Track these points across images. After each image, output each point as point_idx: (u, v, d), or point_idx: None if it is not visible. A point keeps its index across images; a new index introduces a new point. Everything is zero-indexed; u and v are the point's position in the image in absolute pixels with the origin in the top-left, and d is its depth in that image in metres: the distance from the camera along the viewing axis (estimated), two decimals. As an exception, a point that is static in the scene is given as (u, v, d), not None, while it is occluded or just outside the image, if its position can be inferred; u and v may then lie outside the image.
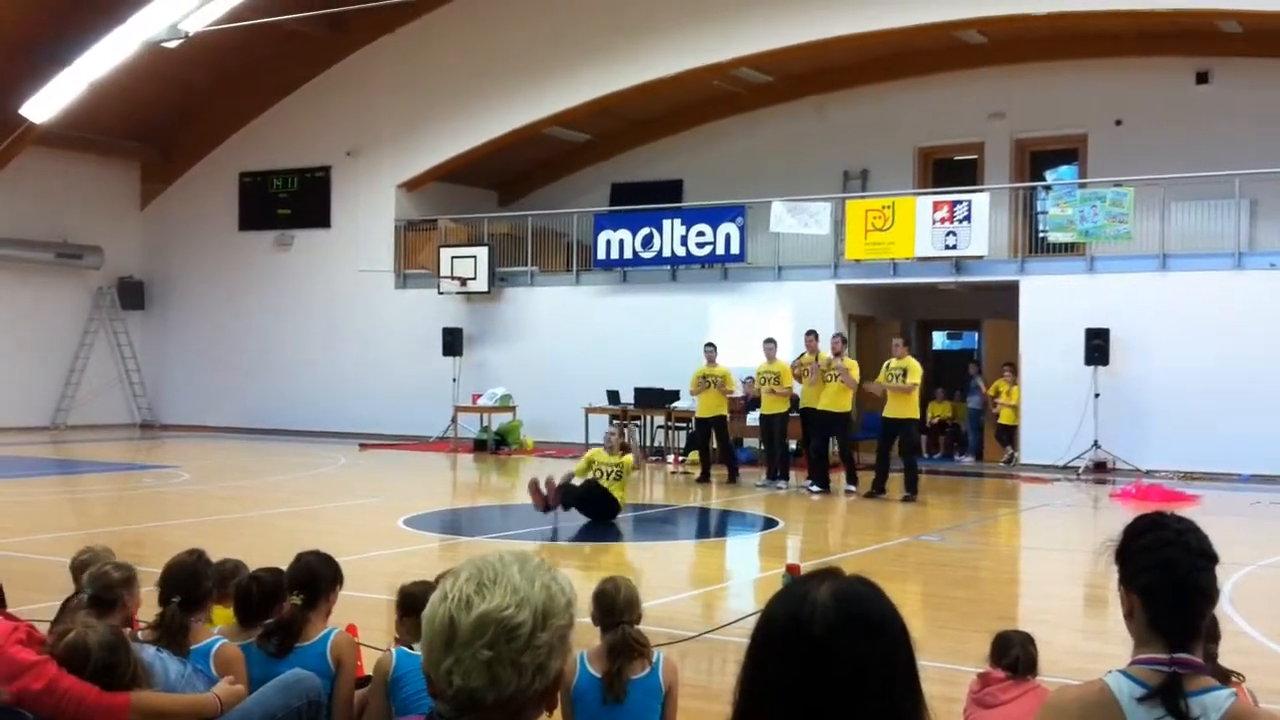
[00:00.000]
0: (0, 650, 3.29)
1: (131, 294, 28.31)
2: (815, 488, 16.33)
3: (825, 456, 16.64)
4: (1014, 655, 4.64)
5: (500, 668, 1.88)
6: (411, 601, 4.61)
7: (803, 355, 17.12)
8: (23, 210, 25.89)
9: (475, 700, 1.89)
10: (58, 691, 3.39)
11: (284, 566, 4.97)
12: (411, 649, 4.39)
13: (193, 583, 4.37)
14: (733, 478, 17.48)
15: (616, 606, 4.52)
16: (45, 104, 23.64)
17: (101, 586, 4.32)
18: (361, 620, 5.06)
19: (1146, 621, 2.49)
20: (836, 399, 16.39)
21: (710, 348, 18.19)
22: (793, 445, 18.21)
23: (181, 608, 4.27)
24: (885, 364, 16.21)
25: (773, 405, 17.36)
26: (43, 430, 26.28)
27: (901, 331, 21.86)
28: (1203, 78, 21.04)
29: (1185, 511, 2.66)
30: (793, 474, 17.46)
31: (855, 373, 16.41)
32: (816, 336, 17.16)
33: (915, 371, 15.81)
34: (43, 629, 3.95)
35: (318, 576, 4.71)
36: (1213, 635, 4.17)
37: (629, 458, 13.36)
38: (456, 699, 1.90)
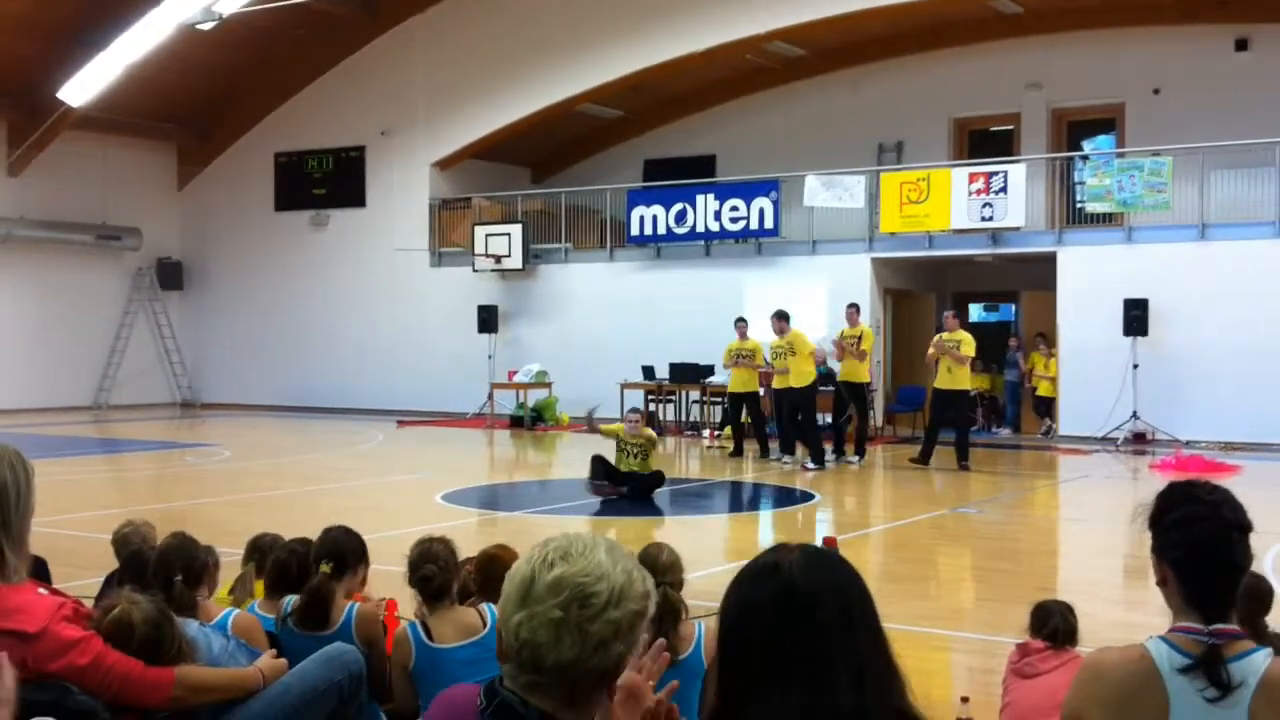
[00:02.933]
0: (46, 627, 3.34)
1: (170, 275, 28.54)
2: (853, 459, 16.52)
3: (860, 427, 16.88)
4: (1053, 625, 4.62)
5: (566, 630, 1.94)
6: (417, 565, 4.55)
7: (843, 330, 17.16)
8: (62, 193, 26.14)
9: (537, 658, 1.94)
10: (103, 667, 3.43)
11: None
12: (423, 627, 4.37)
13: (189, 559, 4.38)
14: (765, 452, 17.42)
15: (659, 567, 4.48)
16: (83, 88, 23.82)
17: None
18: (401, 595, 5.09)
19: (1181, 593, 2.48)
20: (855, 370, 16.69)
21: (741, 322, 18.04)
22: (827, 419, 18.22)
23: (185, 584, 4.29)
24: (937, 337, 16.23)
25: (778, 381, 17.05)
26: (85, 410, 26.58)
27: (938, 304, 21.83)
28: (1242, 45, 20.76)
29: (1225, 481, 2.64)
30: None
31: (868, 342, 16.80)
32: (858, 309, 17.28)
33: (969, 344, 15.87)
34: (88, 604, 4.00)
35: (344, 550, 4.70)
36: (1264, 605, 4.15)
37: (649, 431, 13.53)
38: (520, 654, 1.95)
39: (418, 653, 4.33)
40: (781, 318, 16.72)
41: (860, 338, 16.78)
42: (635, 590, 2.00)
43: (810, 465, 16.05)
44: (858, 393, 16.92)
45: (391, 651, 4.47)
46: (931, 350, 16.07)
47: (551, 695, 1.96)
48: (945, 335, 16.01)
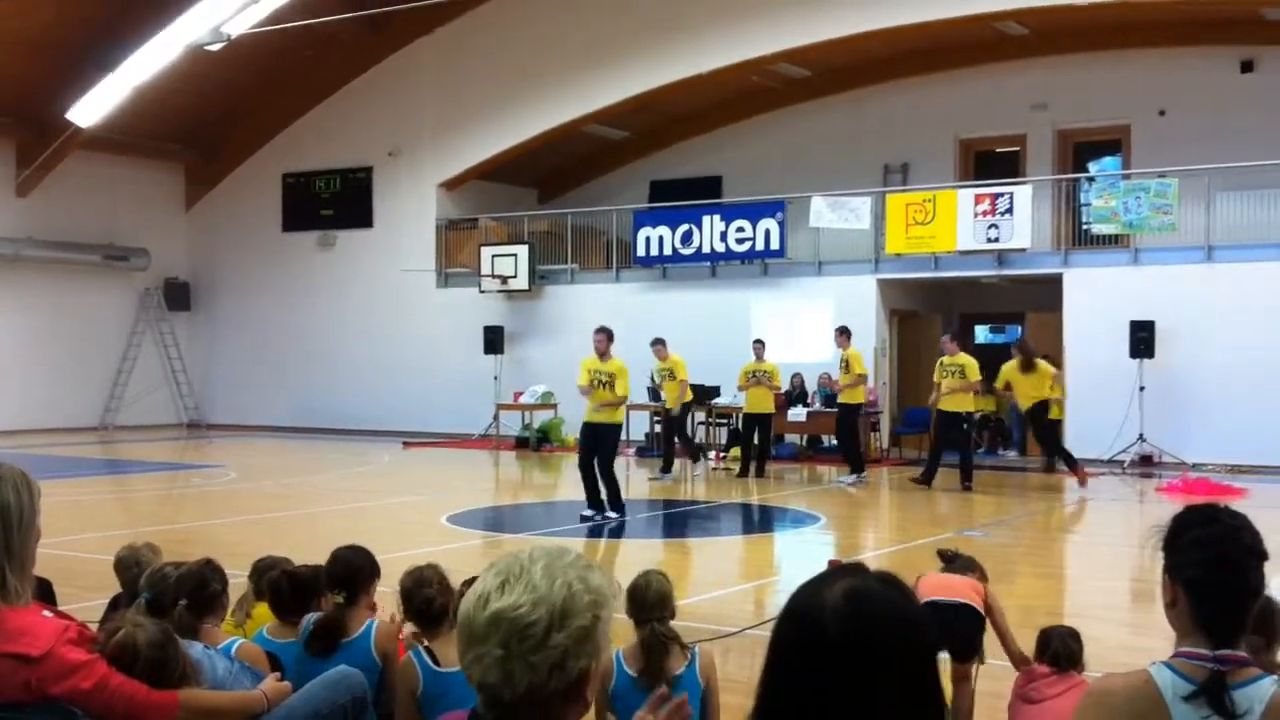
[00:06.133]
0: (51, 649, 3.34)
1: (177, 295, 28.59)
2: (845, 479, 16.88)
3: (849, 447, 17.24)
4: (1054, 649, 4.63)
5: (513, 665, 1.90)
6: (407, 596, 4.59)
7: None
8: (70, 214, 26.21)
9: (496, 697, 1.91)
10: (108, 690, 3.42)
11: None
12: (427, 652, 4.37)
13: (198, 586, 4.39)
14: (760, 473, 17.68)
15: (646, 603, 4.48)
16: (91, 108, 23.92)
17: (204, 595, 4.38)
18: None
19: (1190, 615, 2.47)
20: (849, 392, 17.18)
21: (759, 344, 18.24)
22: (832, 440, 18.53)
23: (188, 610, 4.29)
24: (940, 362, 16.63)
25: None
26: (91, 431, 26.59)
27: (944, 325, 21.81)
28: (1247, 66, 20.79)
29: (1234, 505, 2.63)
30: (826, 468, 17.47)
31: (858, 364, 17.12)
32: (844, 333, 17.71)
33: (973, 368, 16.15)
34: (93, 627, 4.00)
35: (356, 571, 4.74)
36: (1275, 632, 4.12)
37: (616, 361, 13.60)
38: (481, 693, 1.93)
39: (425, 678, 4.32)
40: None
41: (847, 362, 17.13)
42: (579, 605, 1.93)
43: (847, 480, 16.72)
44: (849, 414, 17.21)
45: (398, 679, 4.47)
46: (936, 377, 16.46)
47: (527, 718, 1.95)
48: (946, 359, 16.16)
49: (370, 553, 4.88)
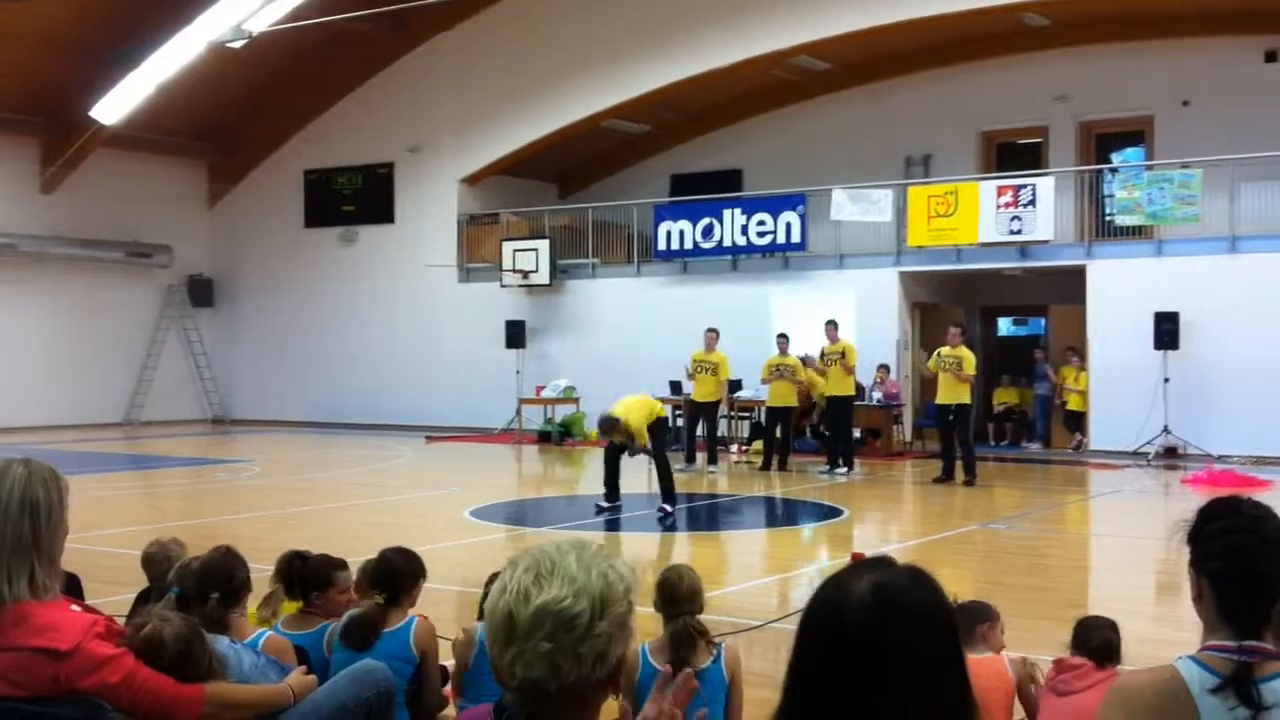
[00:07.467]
0: (79, 644, 3.36)
1: (201, 291, 28.74)
2: (832, 470, 17.20)
3: (840, 439, 17.43)
4: (1095, 643, 4.56)
5: (560, 658, 1.90)
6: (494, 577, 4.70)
7: (824, 347, 17.93)
8: (94, 211, 26.36)
9: (538, 690, 1.92)
10: (134, 684, 3.44)
11: (349, 558, 5.06)
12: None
13: (227, 577, 4.42)
14: (782, 466, 17.80)
15: (679, 596, 4.50)
16: (115, 106, 24.06)
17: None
18: (431, 610, 5.11)
19: (1216, 607, 2.46)
20: (843, 384, 17.44)
21: (782, 338, 18.29)
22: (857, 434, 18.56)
23: (220, 603, 4.32)
24: (936, 352, 16.60)
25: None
26: (117, 427, 26.75)
27: (967, 318, 21.73)
28: (1271, 56, 20.64)
29: (1259, 496, 2.62)
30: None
31: (852, 357, 17.41)
32: (836, 326, 17.95)
33: (970, 362, 16.08)
34: (120, 621, 4.02)
35: (398, 575, 4.80)
36: None
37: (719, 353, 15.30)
38: (521, 689, 1.93)
39: (476, 658, 4.47)
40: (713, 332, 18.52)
41: (844, 353, 17.30)
42: (616, 592, 1.95)
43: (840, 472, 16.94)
44: (843, 407, 17.32)
45: (455, 650, 4.68)
46: (930, 365, 16.44)
47: (562, 712, 1.95)
48: (946, 351, 16.09)
49: (417, 558, 4.91)
